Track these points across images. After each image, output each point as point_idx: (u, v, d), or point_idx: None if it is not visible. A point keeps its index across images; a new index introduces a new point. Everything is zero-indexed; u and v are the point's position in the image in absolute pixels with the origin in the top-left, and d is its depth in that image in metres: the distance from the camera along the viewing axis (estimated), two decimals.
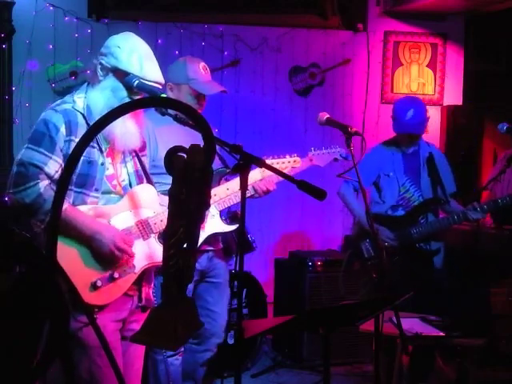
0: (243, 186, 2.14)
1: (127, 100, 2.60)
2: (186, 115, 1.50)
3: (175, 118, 2.70)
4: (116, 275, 2.55)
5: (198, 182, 1.42)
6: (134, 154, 2.73)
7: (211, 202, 2.88)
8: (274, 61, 6.00)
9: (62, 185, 1.44)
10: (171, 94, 3.48)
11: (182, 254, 1.44)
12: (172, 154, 1.47)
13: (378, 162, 4.17)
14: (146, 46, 2.67)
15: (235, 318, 4.24)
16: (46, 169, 2.50)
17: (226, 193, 3.12)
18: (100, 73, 2.62)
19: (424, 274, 4.11)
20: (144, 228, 2.65)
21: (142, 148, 2.78)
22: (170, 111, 2.73)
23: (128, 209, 2.63)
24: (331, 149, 3.69)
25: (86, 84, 2.68)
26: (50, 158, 2.51)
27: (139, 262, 2.62)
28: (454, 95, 6.28)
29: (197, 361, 3.67)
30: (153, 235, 2.67)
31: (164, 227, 2.67)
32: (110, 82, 2.60)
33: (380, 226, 4.02)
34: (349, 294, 4.42)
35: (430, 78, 6.31)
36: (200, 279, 3.58)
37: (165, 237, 1.46)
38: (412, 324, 3.41)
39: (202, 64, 3.53)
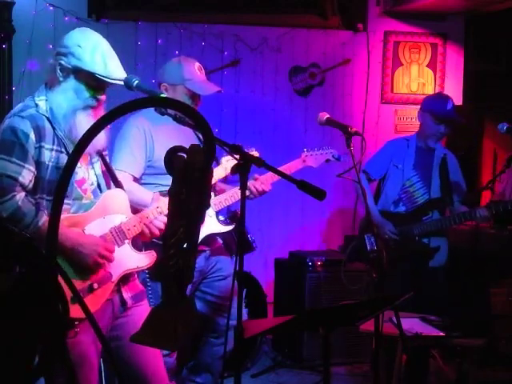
0: (243, 185, 2.13)
1: (91, 100, 2.52)
2: (186, 115, 1.50)
3: (175, 118, 2.70)
4: (95, 286, 2.50)
5: (198, 182, 1.42)
6: (99, 155, 2.67)
7: None
8: (274, 61, 6.00)
9: (61, 185, 1.44)
10: (166, 95, 3.47)
11: (182, 254, 1.43)
12: (172, 153, 1.47)
13: (391, 152, 4.27)
14: (105, 41, 2.56)
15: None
16: (21, 179, 2.41)
17: None
18: (60, 74, 2.50)
19: (424, 273, 4.12)
20: (118, 235, 2.60)
21: (105, 147, 2.72)
22: (169, 111, 2.73)
23: (101, 215, 2.57)
24: (324, 150, 3.74)
25: (44, 85, 2.57)
26: (24, 167, 2.42)
27: (115, 270, 2.58)
28: (453, 95, 6.23)
29: (215, 354, 3.67)
30: (127, 241, 2.62)
31: (137, 232, 2.65)
32: (72, 83, 2.50)
33: (385, 220, 4.09)
34: (351, 288, 4.45)
35: (429, 78, 6.30)
36: (201, 279, 3.58)
37: (165, 237, 1.46)
38: (412, 324, 3.41)
39: (197, 64, 3.53)
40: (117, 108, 1.43)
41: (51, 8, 5.44)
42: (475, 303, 3.91)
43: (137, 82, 2.55)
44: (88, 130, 1.41)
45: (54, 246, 1.39)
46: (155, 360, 2.72)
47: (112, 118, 1.41)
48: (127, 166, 3.34)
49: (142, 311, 2.67)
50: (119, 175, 3.31)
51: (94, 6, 5.58)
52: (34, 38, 5.38)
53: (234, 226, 3.53)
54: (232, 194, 3.44)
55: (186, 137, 3.26)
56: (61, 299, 2.11)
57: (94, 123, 1.42)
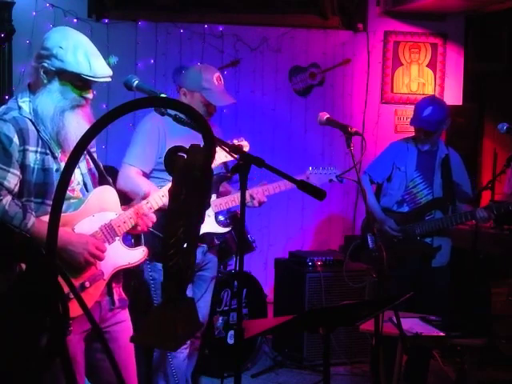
0: (243, 186, 2.13)
1: (78, 99, 2.50)
2: (186, 115, 1.50)
3: (175, 119, 2.70)
4: (87, 284, 2.50)
5: (198, 181, 1.42)
6: (85, 152, 2.63)
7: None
8: (274, 61, 6.00)
9: (61, 186, 1.44)
10: (184, 99, 3.56)
11: (182, 253, 1.43)
12: (172, 153, 1.48)
13: (393, 155, 4.27)
14: (86, 39, 2.51)
15: (235, 318, 4.24)
16: (6, 184, 2.39)
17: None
18: (44, 76, 2.46)
19: (425, 273, 4.11)
20: (108, 232, 2.59)
21: (93, 144, 2.69)
22: (169, 111, 2.73)
23: (90, 214, 2.56)
24: (328, 170, 3.80)
25: (27, 87, 2.53)
26: (8, 171, 2.39)
27: (107, 268, 2.57)
28: (453, 95, 6.28)
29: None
30: (117, 238, 2.62)
31: (127, 229, 2.64)
32: (57, 84, 2.47)
33: (387, 217, 4.10)
34: (354, 286, 4.47)
35: (429, 78, 6.31)
36: (196, 272, 3.60)
37: (165, 237, 1.46)
38: (412, 324, 3.41)
39: (217, 74, 3.59)
40: (116, 108, 1.43)
41: (51, 8, 5.44)
42: (475, 303, 3.90)
43: (137, 82, 2.54)
44: (87, 131, 1.41)
45: (54, 246, 1.40)
46: (129, 374, 2.71)
47: (112, 118, 1.42)
48: (138, 161, 3.43)
49: (123, 329, 2.67)
50: (129, 169, 3.36)
51: (94, 5, 5.58)
52: (34, 38, 5.36)
53: (230, 228, 3.61)
54: (233, 199, 3.49)
55: (199, 137, 3.27)
56: (61, 299, 2.11)
57: (94, 124, 1.42)
